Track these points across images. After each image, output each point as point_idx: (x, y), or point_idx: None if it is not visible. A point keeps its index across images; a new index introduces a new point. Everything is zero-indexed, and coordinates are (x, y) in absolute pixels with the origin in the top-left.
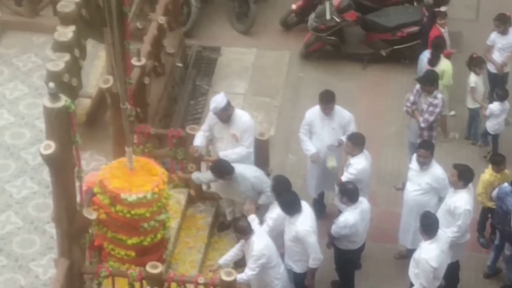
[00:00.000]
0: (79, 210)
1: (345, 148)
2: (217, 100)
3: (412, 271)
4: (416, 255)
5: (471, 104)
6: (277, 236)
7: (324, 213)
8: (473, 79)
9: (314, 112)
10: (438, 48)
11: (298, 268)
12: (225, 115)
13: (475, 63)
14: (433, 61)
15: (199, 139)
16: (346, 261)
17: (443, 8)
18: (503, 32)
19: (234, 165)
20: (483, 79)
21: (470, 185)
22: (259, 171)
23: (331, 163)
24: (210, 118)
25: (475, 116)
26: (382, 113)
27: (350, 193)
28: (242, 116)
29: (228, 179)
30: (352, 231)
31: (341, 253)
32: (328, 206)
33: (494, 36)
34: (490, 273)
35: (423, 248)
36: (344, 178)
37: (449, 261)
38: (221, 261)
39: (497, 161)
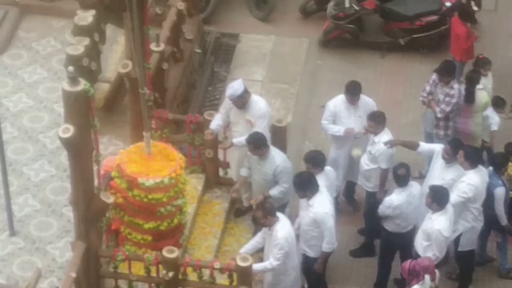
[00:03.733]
0: (96, 193)
1: (368, 128)
2: (234, 87)
3: (421, 243)
4: (425, 227)
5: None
6: None
7: (354, 201)
8: (481, 81)
9: (338, 102)
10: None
11: (312, 253)
12: (241, 102)
13: (481, 64)
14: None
15: (215, 123)
16: (390, 242)
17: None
18: None
19: (271, 146)
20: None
21: (482, 167)
22: (289, 163)
23: (356, 151)
24: (226, 103)
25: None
26: (399, 102)
27: (400, 179)
28: (258, 102)
29: (261, 153)
30: (396, 212)
31: (387, 235)
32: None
33: None
34: (480, 261)
35: (434, 219)
36: (383, 164)
37: (460, 248)
38: (242, 250)
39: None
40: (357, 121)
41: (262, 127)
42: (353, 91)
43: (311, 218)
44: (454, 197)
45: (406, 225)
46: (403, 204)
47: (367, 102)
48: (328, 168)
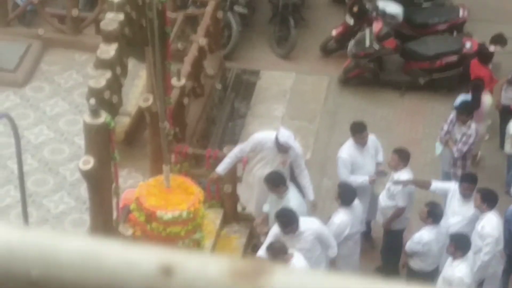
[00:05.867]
0: (115, 226)
1: (390, 163)
2: (290, 138)
3: None
4: (446, 275)
5: (510, 150)
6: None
7: (371, 239)
8: None
9: (350, 150)
10: (478, 90)
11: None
12: (288, 148)
13: None
14: (476, 104)
15: (222, 167)
16: (417, 283)
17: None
18: None
19: (291, 186)
20: None
21: (497, 211)
22: (303, 207)
23: (379, 190)
24: (254, 145)
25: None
26: (418, 141)
27: (437, 216)
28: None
29: (279, 191)
30: (425, 249)
31: (412, 274)
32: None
33: None
34: None
35: (456, 267)
36: (400, 202)
37: None
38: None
39: None
40: (372, 160)
41: (303, 166)
42: (360, 129)
43: (310, 239)
44: (485, 246)
45: (431, 263)
46: (433, 241)
47: (372, 138)
48: (356, 202)
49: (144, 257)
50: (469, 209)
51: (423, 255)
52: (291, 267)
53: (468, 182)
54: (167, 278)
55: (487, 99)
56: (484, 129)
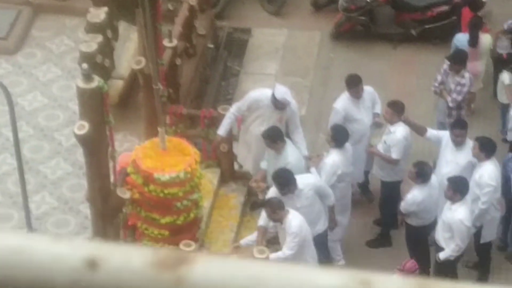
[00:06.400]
0: (112, 190)
1: (385, 116)
2: (287, 95)
3: (442, 235)
4: (446, 218)
5: (504, 100)
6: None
7: (369, 192)
8: (508, 76)
9: (345, 102)
10: (476, 27)
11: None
12: (285, 105)
13: (509, 61)
14: (473, 41)
15: (224, 128)
16: (417, 236)
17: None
18: None
19: (288, 141)
20: None
21: (495, 159)
22: (302, 162)
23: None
24: (252, 103)
25: (504, 112)
26: (412, 93)
27: (426, 175)
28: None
29: (277, 147)
30: (420, 208)
31: (412, 229)
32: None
33: None
34: (502, 245)
35: (455, 210)
36: (394, 154)
37: (482, 240)
38: (243, 241)
39: None
40: (368, 112)
41: (298, 123)
42: (354, 82)
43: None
44: (483, 195)
45: (430, 217)
46: (426, 198)
47: (368, 91)
48: (347, 144)
49: (69, 251)
50: (462, 157)
51: (420, 213)
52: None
53: (459, 128)
54: (92, 271)
55: (485, 37)
56: (482, 68)
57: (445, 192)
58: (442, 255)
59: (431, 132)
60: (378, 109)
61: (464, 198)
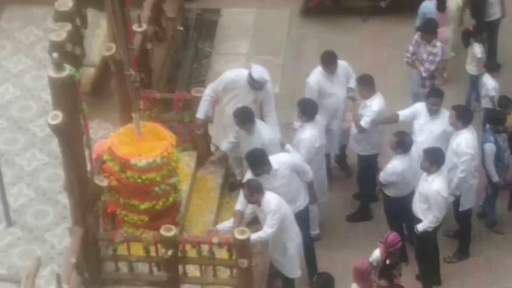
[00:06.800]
0: (90, 178)
1: (359, 92)
2: (264, 74)
3: (420, 207)
4: (422, 190)
5: (475, 72)
6: (316, 157)
7: (347, 167)
8: (479, 49)
9: (319, 77)
10: None
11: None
12: (262, 85)
13: (476, 33)
14: (441, 6)
15: (203, 110)
16: (395, 208)
17: None
18: None
19: (257, 120)
20: None
21: (472, 127)
22: (276, 135)
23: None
24: (227, 83)
25: (476, 82)
26: (384, 65)
27: (406, 145)
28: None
29: (247, 128)
30: (400, 178)
31: (390, 200)
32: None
33: None
34: (482, 212)
35: (431, 181)
36: (363, 122)
37: (461, 208)
38: (220, 227)
39: (504, 104)
40: (342, 87)
41: (272, 106)
42: (331, 60)
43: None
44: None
45: (408, 189)
46: (406, 169)
47: (342, 65)
48: (318, 116)
49: None
50: (437, 126)
51: (399, 184)
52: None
53: (435, 96)
54: None
55: (452, 1)
56: (451, 33)
57: (421, 163)
58: (420, 227)
59: (403, 114)
60: (352, 83)
61: (440, 169)
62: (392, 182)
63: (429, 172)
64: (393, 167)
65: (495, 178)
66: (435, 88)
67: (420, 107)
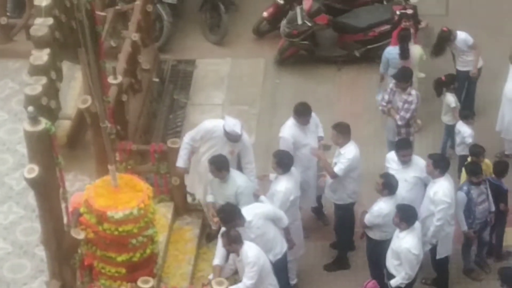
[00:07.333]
0: (66, 231)
1: (332, 139)
2: (236, 127)
3: (392, 263)
4: (394, 246)
5: (451, 122)
6: (291, 208)
7: (323, 216)
8: (452, 99)
9: (293, 129)
10: (405, 39)
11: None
12: (238, 137)
13: (448, 83)
14: (404, 54)
15: (183, 159)
16: (379, 251)
17: (409, 11)
18: None
19: (232, 169)
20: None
21: (448, 175)
22: (250, 184)
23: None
24: (204, 134)
25: (452, 131)
26: (359, 113)
27: (392, 187)
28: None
29: (222, 176)
30: (385, 220)
31: (374, 244)
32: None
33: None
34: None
35: (402, 238)
36: (337, 168)
37: (438, 256)
38: (211, 277)
39: (477, 152)
40: (314, 137)
41: (250, 158)
42: (305, 112)
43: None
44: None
45: (392, 231)
46: (392, 211)
47: (312, 115)
48: (293, 168)
49: None
50: (410, 174)
51: (384, 226)
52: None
53: (404, 148)
54: None
55: (415, 49)
56: (415, 80)
57: (393, 218)
58: (393, 283)
59: None
60: (321, 132)
61: (412, 226)
62: (377, 225)
63: (400, 228)
64: (380, 209)
65: (463, 227)
66: (403, 140)
67: (392, 156)
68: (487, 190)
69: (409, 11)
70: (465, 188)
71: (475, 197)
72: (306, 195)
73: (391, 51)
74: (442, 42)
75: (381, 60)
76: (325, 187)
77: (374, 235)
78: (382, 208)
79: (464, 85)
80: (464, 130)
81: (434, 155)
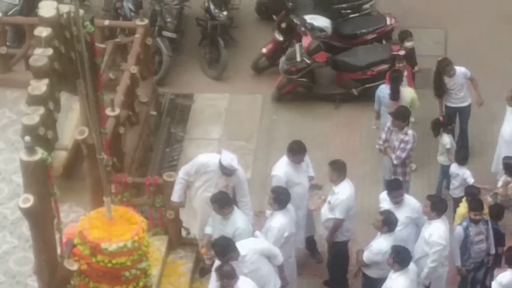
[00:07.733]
0: (60, 262)
1: (330, 176)
2: (233, 161)
3: None
4: (385, 287)
5: (446, 162)
6: (285, 245)
7: (317, 253)
8: (448, 140)
9: (286, 168)
10: (396, 81)
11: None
12: (233, 172)
13: (446, 124)
14: (394, 95)
15: (178, 194)
16: None
17: (401, 52)
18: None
19: (235, 207)
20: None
21: (444, 217)
22: (250, 228)
23: (314, 205)
24: (199, 167)
25: (447, 172)
26: (356, 152)
27: (392, 224)
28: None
29: (225, 213)
30: (385, 258)
31: (371, 282)
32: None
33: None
34: None
35: (394, 279)
36: (337, 214)
37: None
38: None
39: (473, 193)
40: (305, 176)
41: (245, 192)
42: (301, 150)
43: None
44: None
45: (389, 269)
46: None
47: None
48: (289, 205)
49: None
50: (402, 213)
51: (383, 264)
52: None
53: (395, 189)
54: None
55: (407, 91)
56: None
57: (387, 259)
58: None
59: None
60: (311, 171)
61: (406, 268)
62: (376, 262)
63: (392, 268)
64: (379, 246)
65: (457, 262)
66: (394, 181)
67: (385, 196)
68: (486, 231)
69: (401, 52)
70: (464, 224)
71: (472, 235)
72: (296, 235)
73: (383, 90)
74: (441, 72)
75: (375, 97)
76: (320, 225)
77: (372, 273)
78: (381, 245)
79: (454, 121)
80: (463, 172)
81: (433, 197)
